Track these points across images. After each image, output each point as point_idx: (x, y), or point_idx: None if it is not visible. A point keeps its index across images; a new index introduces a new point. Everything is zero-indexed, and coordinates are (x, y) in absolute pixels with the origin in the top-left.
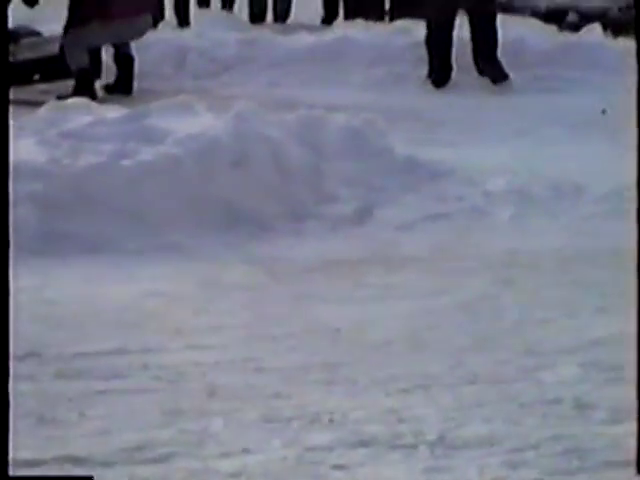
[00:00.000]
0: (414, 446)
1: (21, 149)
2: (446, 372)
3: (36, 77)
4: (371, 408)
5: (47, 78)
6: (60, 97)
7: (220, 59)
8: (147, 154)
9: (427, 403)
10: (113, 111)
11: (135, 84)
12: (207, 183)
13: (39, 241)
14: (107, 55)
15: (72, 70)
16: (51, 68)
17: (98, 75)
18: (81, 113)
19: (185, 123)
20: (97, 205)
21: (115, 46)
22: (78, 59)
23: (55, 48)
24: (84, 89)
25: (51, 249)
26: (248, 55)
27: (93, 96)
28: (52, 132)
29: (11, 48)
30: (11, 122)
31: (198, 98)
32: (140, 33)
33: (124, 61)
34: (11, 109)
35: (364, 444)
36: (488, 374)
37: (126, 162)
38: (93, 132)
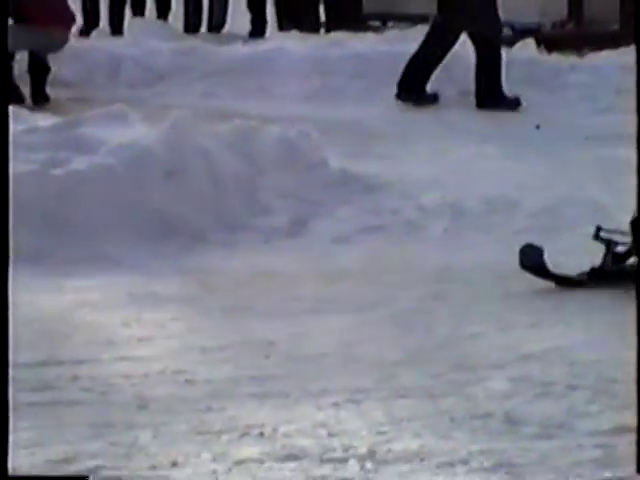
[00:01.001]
0: (344, 460)
1: None
2: (378, 386)
3: None
4: (302, 422)
5: None
6: None
7: (155, 68)
8: (80, 163)
9: (358, 417)
10: (45, 119)
11: (50, 93)
12: (140, 193)
13: None
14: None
15: None
16: None
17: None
18: (12, 121)
19: (118, 133)
20: (28, 214)
21: (31, 54)
22: None
23: None
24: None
25: None
26: (183, 65)
27: (21, 100)
28: None
29: None
30: None
31: (132, 107)
32: (57, 46)
33: (39, 70)
34: None
35: (294, 458)
36: (419, 388)
37: (58, 171)
38: (25, 140)
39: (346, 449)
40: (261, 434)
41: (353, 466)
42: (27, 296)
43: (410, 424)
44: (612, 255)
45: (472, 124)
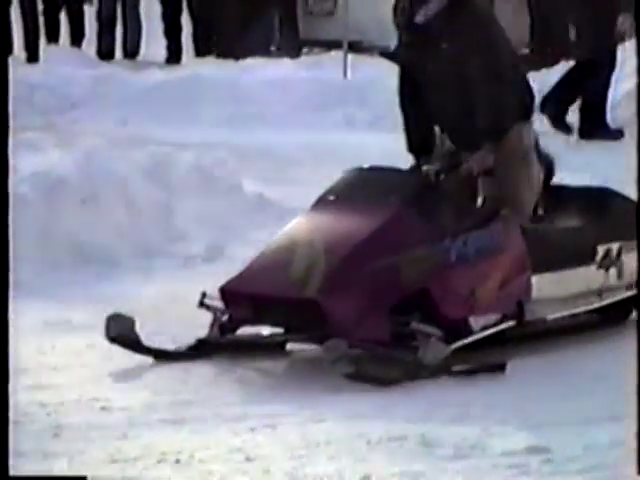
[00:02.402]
0: None
1: None
2: (295, 411)
3: None
4: (219, 447)
5: None
6: None
7: (69, 96)
8: None
9: (275, 441)
10: None
11: None
12: (55, 221)
13: None
14: None
15: None
16: None
17: None
18: None
19: (31, 160)
20: None
21: None
22: None
23: None
24: None
25: None
26: (98, 92)
27: None
28: None
29: None
30: None
31: (46, 135)
32: None
33: None
34: None
35: None
36: (337, 412)
37: None
38: None
39: (263, 473)
40: (177, 461)
41: None
42: None
43: (327, 447)
44: (219, 325)
45: (384, 148)
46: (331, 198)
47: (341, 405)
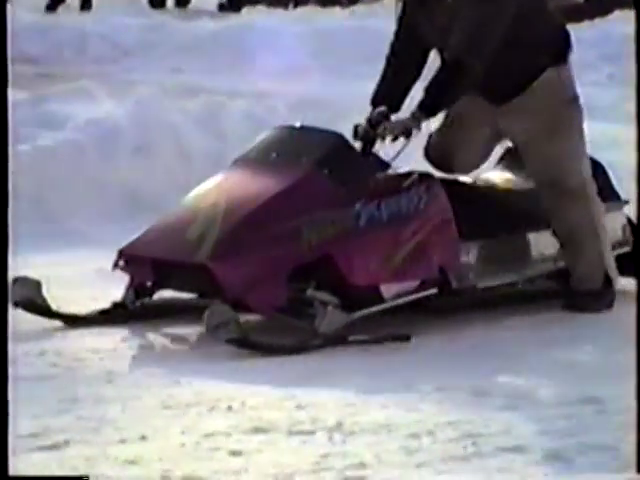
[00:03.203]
0: (312, 432)
1: None
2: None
3: None
4: (270, 395)
5: None
6: None
7: (122, 44)
8: (47, 139)
9: (326, 390)
10: (11, 95)
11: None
12: (108, 169)
13: None
14: None
15: None
16: None
17: None
18: None
19: (85, 109)
20: None
21: None
22: None
23: None
24: None
25: None
26: (150, 41)
27: None
28: None
29: None
30: None
31: (99, 84)
32: None
33: None
34: None
35: (262, 430)
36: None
37: (24, 147)
38: None
39: (313, 421)
40: (229, 408)
41: (321, 438)
42: None
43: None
44: (134, 289)
45: None
46: (248, 157)
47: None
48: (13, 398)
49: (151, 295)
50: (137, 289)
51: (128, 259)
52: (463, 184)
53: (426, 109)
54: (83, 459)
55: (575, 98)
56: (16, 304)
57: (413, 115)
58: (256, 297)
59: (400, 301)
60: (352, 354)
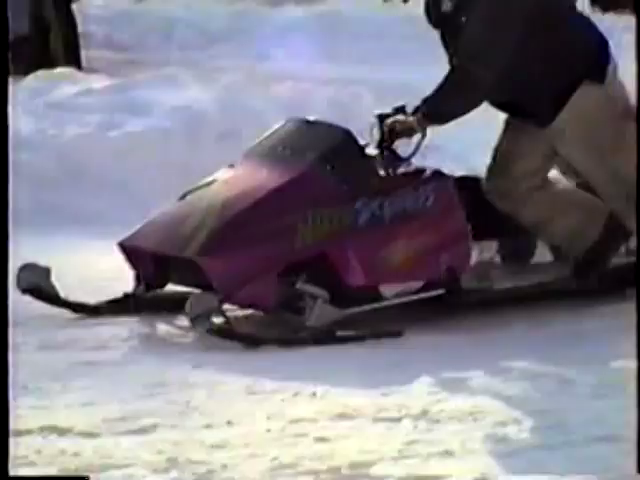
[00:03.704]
0: (397, 419)
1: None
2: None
3: None
4: (355, 382)
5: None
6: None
7: (208, 31)
8: (134, 125)
9: (411, 379)
10: (99, 82)
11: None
12: (194, 156)
13: (24, 213)
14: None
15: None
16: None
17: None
18: (67, 83)
19: (172, 95)
20: (83, 176)
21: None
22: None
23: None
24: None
25: (37, 221)
26: (237, 27)
27: (79, 66)
28: (38, 102)
29: None
30: None
31: (185, 70)
32: None
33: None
34: None
35: (347, 417)
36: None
37: (113, 133)
38: (79, 103)
39: (399, 409)
40: (313, 394)
41: (406, 425)
42: (81, 257)
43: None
44: (145, 283)
45: None
46: (256, 150)
47: None
48: (98, 382)
49: (163, 287)
50: (148, 282)
51: (128, 251)
52: (480, 182)
53: (428, 117)
54: (170, 443)
55: (628, 112)
56: (24, 291)
57: (421, 117)
58: (246, 293)
59: (400, 300)
60: (435, 342)
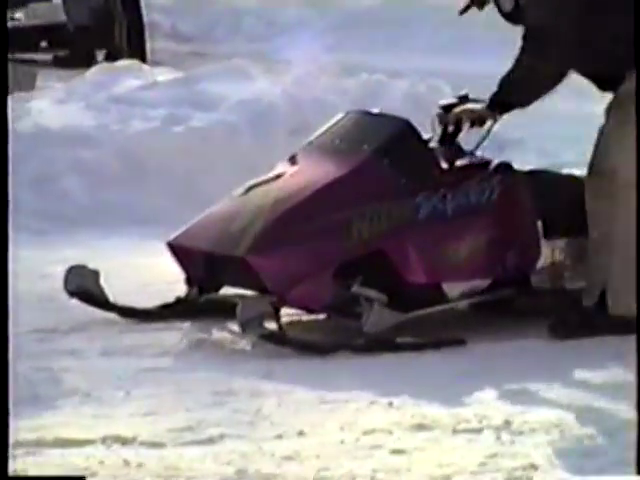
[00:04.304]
0: (478, 431)
1: (68, 114)
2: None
3: (43, 44)
4: (433, 391)
5: (54, 45)
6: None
7: (277, 22)
8: (200, 120)
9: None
10: (164, 75)
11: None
12: (262, 152)
13: (85, 211)
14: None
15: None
16: (58, 35)
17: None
18: (131, 76)
19: (239, 88)
20: (147, 174)
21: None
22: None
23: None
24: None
25: (98, 220)
26: (306, 18)
27: (144, 58)
28: (101, 96)
29: (20, 13)
30: (59, 85)
31: (253, 62)
32: None
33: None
34: (59, 72)
35: (425, 428)
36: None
37: (178, 128)
38: (143, 96)
39: (480, 420)
40: (390, 404)
41: (488, 437)
42: (146, 259)
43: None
44: (198, 286)
45: None
46: (313, 144)
47: None
48: (162, 390)
49: (217, 290)
50: (200, 284)
51: (177, 251)
52: (552, 175)
53: (498, 106)
54: (238, 455)
55: None
56: (72, 294)
57: (490, 104)
58: (299, 294)
59: (465, 301)
60: (516, 348)
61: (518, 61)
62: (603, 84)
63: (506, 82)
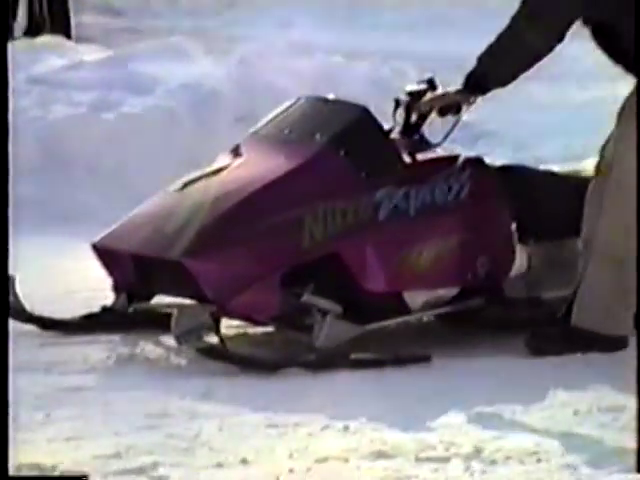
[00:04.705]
0: (445, 459)
1: None
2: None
3: None
4: (394, 414)
5: None
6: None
7: None
8: (133, 106)
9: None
10: (92, 53)
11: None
12: (204, 142)
13: None
14: None
15: None
16: None
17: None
18: (54, 54)
19: (179, 70)
20: (73, 166)
21: None
22: None
23: None
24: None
25: (15, 217)
26: None
27: (68, 34)
28: (19, 77)
29: None
30: None
31: (194, 40)
32: None
33: None
34: None
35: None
36: None
37: (107, 115)
38: (68, 78)
39: (447, 447)
40: (346, 427)
41: (456, 466)
42: (71, 262)
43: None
44: (127, 294)
45: None
46: (259, 133)
47: None
48: (87, 412)
49: (149, 299)
50: (130, 292)
51: (104, 254)
52: (528, 172)
53: (474, 87)
54: None
55: None
56: None
57: (463, 89)
58: (243, 303)
59: (429, 312)
60: (488, 366)
61: (508, 28)
62: (618, 57)
63: (487, 55)
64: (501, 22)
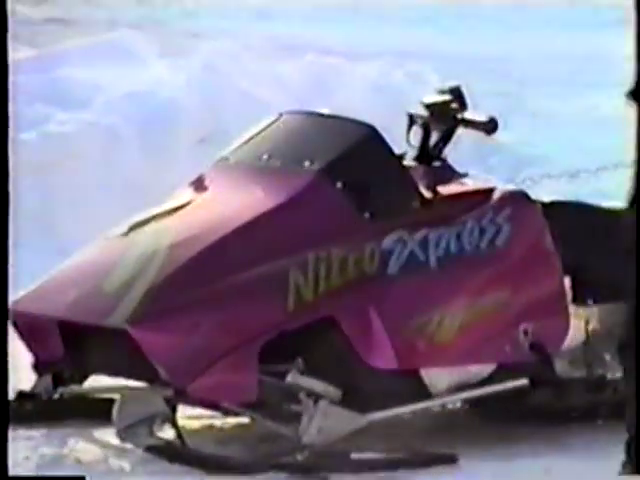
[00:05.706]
0: None
1: None
2: None
3: None
4: None
5: None
6: None
7: None
8: (60, 123)
9: None
10: (10, 52)
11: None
12: (157, 170)
13: None
14: None
15: None
16: None
17: None
18: None
19: (123, 75)
20: None
21: None
22: None
23: None
24: None
25: None
26: None
27: None
28: None
29: None
30: None
31: (145, 36)
32: None
33: None
34: None
35: None
36: None
37: (27, 135)
38: None
39: None
40: None
41: None
42: None
43: None
44: (53, 374)
45: None
46: (229, 160)
47: None
48: None
49: (82, 381)
50: (55, 371)
51: (21, 321)
52: (586, 210)
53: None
54: None
55: None
56: None
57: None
58: (208, 385)
59: (455, 398)
60: (535, 470)
61: None
62: None
63: None
64: (538, 14)
